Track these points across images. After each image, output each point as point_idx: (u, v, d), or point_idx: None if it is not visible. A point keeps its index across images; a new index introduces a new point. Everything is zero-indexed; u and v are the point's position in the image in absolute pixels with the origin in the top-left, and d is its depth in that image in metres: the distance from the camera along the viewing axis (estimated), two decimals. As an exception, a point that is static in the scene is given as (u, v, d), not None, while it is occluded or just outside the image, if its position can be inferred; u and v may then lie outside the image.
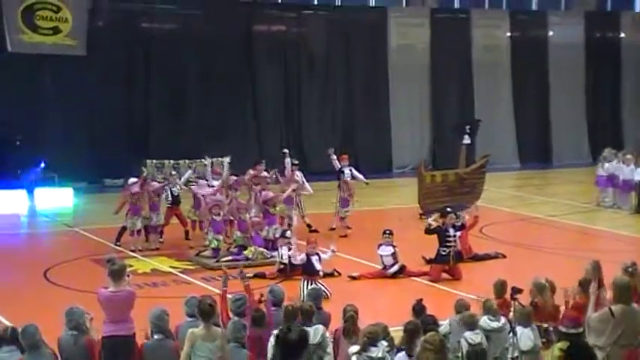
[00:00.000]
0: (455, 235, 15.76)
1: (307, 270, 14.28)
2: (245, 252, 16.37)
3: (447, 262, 15.43)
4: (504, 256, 16.99)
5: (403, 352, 8.78)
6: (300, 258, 14.54)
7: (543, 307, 11.25)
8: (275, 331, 9.39)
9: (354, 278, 15.39)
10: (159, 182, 18.31)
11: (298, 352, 7.16)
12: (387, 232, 15.57)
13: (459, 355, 10.12)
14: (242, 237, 16.72)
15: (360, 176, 20.31)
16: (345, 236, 18.95)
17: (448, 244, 15.55)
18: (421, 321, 9.71)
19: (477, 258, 16.68)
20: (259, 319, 9.70)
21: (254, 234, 16.58)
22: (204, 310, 8.60)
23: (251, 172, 18.42)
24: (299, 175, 19.24)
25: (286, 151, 20.00)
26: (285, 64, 28.79)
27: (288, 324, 9.37)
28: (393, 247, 15.55)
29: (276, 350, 9.18)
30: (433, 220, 15.94)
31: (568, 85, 32.42)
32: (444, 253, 15.51)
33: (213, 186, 18.15)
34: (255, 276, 14.93)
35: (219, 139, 26.09)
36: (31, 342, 8.95)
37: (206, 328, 8.45)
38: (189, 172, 19.11)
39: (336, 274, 15.41)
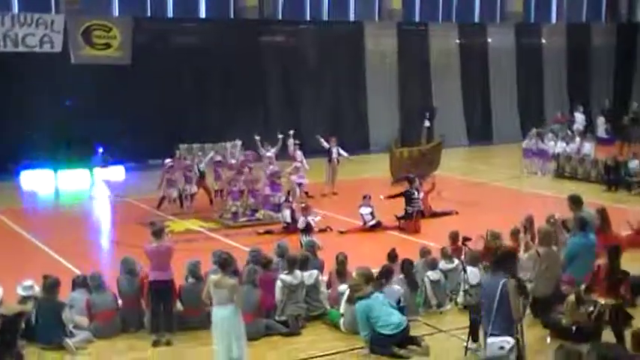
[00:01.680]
0: (418, 197, 15.78)
1: (305, 227, 14.21)
2: (257, 214, 16.36)
3: (412, 218, 15.44)
4: (457, 213, 17.01)
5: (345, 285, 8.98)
6: (301, 221, 14.46)
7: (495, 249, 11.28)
8: (281, 276, 9.42)
9: (342, 233, 15.41)
10: (189, 161, 18.30)
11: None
12: (366, 196, 15.63)
13: (422, 289, 10.19)
14: (254, 203, 16.69)
15: (345, 154, 20.31)
16: (336, 194, 19.13)
17: (413, 203, 15.57)
18: (402, 262, 9.77)
19: (436, 214, 16.68)
20: (268, 264, 9.74)
21: (264, 201, 16.55)
22: (220, 262, 8.57)
23: (241, 157, 18.32)
24: (299, 154, 19.20)
25: (291, 132, 19.89)
26: (285, 68, 28.63)
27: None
28: (371, 207, 15.59)
29: (282, 289, 9.22)
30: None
31: (503, 80, 32.33)
32: (410, 211, 15.53)
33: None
34: (266, 232, 14.96)
35: (236, 127, 25.99)
36: (97, 284, 9.06)
37: (221, 276, 8.38)
38: (212, 153, 19.08)
39: (328, 230, 15.44)
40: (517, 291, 7.24)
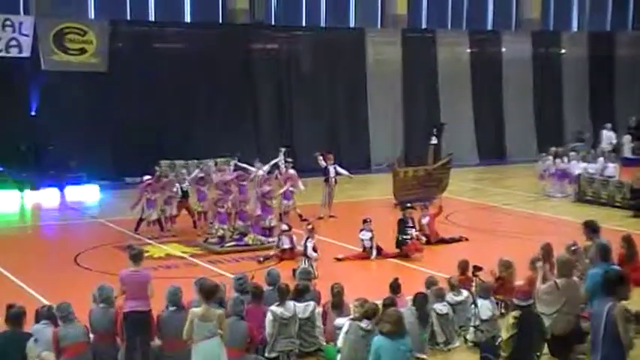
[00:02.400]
0: (412, 226, 15.82)
1: (306, 252, 14.17)
2: (245, 239, 16.35)
3: (407, 245, 15.48)
4: (467, 239, 17.01)
5: (346, 318, 8.93)
6: (309, 246, 14.37)
7: (508, 281, 11.24)
8: (272, 307, 9.40)
9: (339, 260, 15.38)
10: (170, 179, 18.31)
11: None
12: (367, 220, 15.65)
13: (429, 322, 10.15)
14: (243, 226, 16.68)
15: (344, 172, 20.36)
16: (333, 217, 19.29)
17: (407, 232, 15.57)
18: (415, 296, 9.74)
19: (444, 241, 16.70)
20: (259, 294, 9.67)
21: (254, 224, 16.54)
22: (204, 291, 8.51)
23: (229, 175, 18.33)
24: (293, 173, 19.22)
25: (283, 149, 19.91)
26: (278, 77, 28.73)
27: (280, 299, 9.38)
28: (371, 232, 15.59)
29: (273, 324, 9.19)
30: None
31: (518, 93, 32.50)
32: (404, 238, 15.54)
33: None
34: (265, 259, 14.95)
35: (223, 142, 26.03)
36: (65, 315, 8.99)
37: (205, 308, 8.34)
38: (197, 170, 19.10)
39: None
40: (626, 315, 6.99)
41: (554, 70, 33.30)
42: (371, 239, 15.55)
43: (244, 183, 18.05)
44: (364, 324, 8.87)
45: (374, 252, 15.50)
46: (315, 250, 14.17)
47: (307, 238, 14.27)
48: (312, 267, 13.57)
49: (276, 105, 28.63)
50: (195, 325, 8.27)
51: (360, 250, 15.71)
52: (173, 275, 13.57)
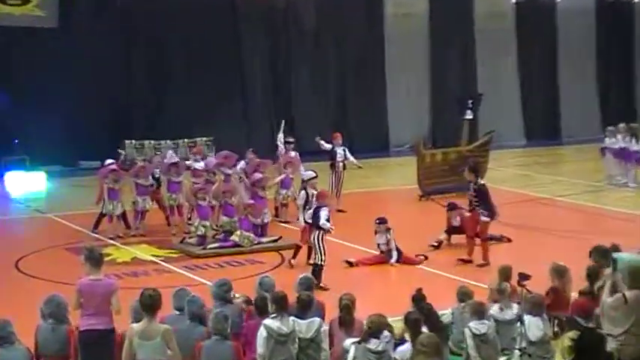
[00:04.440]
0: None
1: (316, 223, 14.25)
2: (232, 237, 16.35)
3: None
4: (509, 240, 16.99)
5: (408, 344, 8.77)
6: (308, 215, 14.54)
7: (563, 293, 11.19)
8: (266, 321, 9.37)
9: (350, 264, 15.41)
10: (144, 164, 18.32)
11: None
12: (378, 221, 15.67)
13: (464, 346, 10.13)
14: (229, 222, 16.69)
15: (352, 158, 20.32)
16: (342, 211, 19.30)
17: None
18: (419, 309, 9.69)
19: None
20: (264, 307, 9.57)
21: (242, 217, 16.55)
22: (143, 303, 8.47)
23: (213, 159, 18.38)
24: (294, 156, 19.23)
25: (283, 122, 19.92)
26: (272, 36, 28.65)
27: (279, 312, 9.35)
28: (387, 234, 15.58)
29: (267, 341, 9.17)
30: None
31: (578, 54, 32.26)
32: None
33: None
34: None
35: (203, 117, 26.01)
36: (3, 337, 8.94)
37: (146, 323, 8.33)
38: (170, 152, 19.10)
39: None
40: None
41: (624, 25, 33.00)
42: (388, 242, 15.57)
43: (229, 171, 18.03)
44: (373, 344, 8.85)
45: (394, 255, 15.52)
46: (328, 220, 14.22)
47: (318, 207, 14.27)
48: (321, 250, 13.78)
49: (271, 75, 28.61)
50: (135, 345, 8.27)
51: (377, 252, 15.72)
52: (142, 285, 13.51)
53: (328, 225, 14.19)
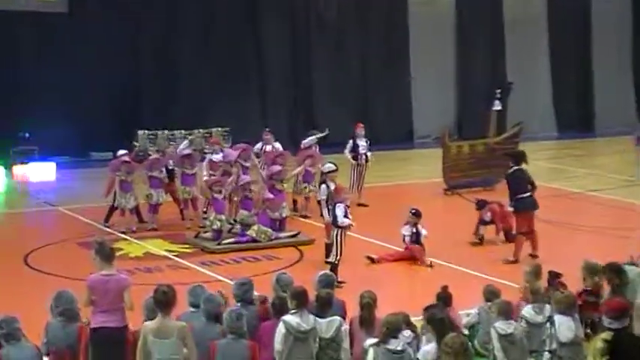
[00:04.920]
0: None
1: (335, 221, 14.24)
2: (249, 232, 16.39)
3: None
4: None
5: (433, 344, 8.75)
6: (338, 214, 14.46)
7: (595, 292, 11.14)
8: (285, 317, 9.39)
9: (372, 260, 15.43)
10: (158, 157, 18.38)
11: None
12: (413, 211, 15.68)
13: (490, 347, 10.12)
14: (247, 215, 16.73)
15: (369, 154, 20.15)
16: (363, 205, 19.33)
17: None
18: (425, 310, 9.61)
19: (509, 238, 16.63)
20: (283, 307, 9.58)
21: (261, 212, 16.60)
22: (157, 300, 8.50)
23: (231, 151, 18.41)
24: (314, 150, 19.23)
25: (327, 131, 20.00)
26: (293, 24, 28.67)
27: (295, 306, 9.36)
28: (415, 226, 15.58)
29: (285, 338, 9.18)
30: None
31: (614, 41, 32.06)
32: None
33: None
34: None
35: (218, 107, 26.06)
36: (11, 332, 8.98)
37: (160, 321, 8.37)
38: (186, 142, 19.13)
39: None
40: None
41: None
42: (412, 236, 15.56)
43: (247, 163, 18.07)
44: (392, 345, 8.85)
45: (422, 232, 15.66)
46: (346, 216, 14.17)
47: (337, 203, 14.22)
48: (338, 248, 13.80)
49: (290, 62, 28.63)
50: (150, 343, 8.32)
51: (400, 248, 15.73)
52: (154, 281, 13.54)
53: (347, 221, 14.19)
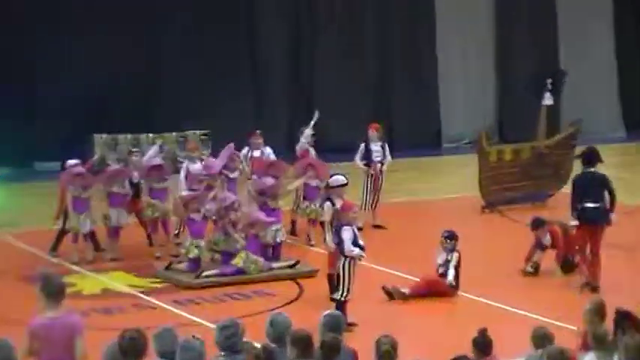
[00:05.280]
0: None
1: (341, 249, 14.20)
2: (234, 261, 16.34)
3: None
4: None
5: None
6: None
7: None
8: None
9: (391, 296, 15.37)
10: (120, 167, 18.37)
11: None
12: (446, 234, 15.65)
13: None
14: (231, 241, 16.72)
15: (389, 158, 20.17)
16: (380, 227, 19.43)
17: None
18: None
19: (569, 265, 16.56)
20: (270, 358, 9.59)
21: (250, 236, 16.58)
22: (124, 348, 8.53)
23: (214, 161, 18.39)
24: (312, 157, 19.23)
25: (317, 114, 20.02)
26: (295, 7, 28.82)
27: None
28: (451, 254, 15.54)
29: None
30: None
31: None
32: None
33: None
34: None
35: (200, 107, 26.04)
36: None
37: None
38: (155, 148, 19.11)
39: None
40: None
41: None
42: (445, 264, 15.54)
43: (234, 174, 18.03)
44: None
45: (450, 276, 15.52)
46: (356, 243, 14.08)
47: (343, 226, 14.14)
48: (345, 282, 13.72)
49: (290, 45, 28.82)
50: None
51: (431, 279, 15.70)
52: (115, 324, 13.49)
53: (357, 251, 14.08)
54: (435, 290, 15.51)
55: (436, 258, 15.71)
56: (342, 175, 16.30)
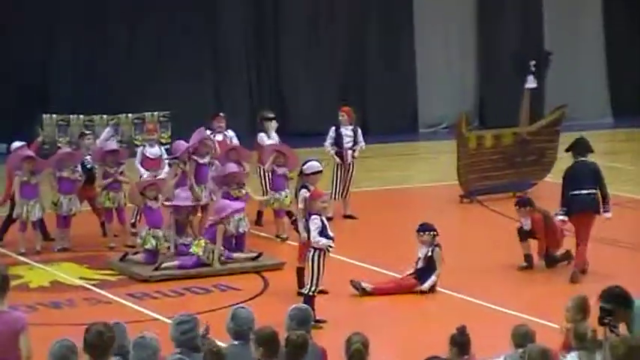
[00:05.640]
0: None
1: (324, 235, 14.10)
2: (193, 248, 16.26)
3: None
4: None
5: None
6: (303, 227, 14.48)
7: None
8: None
9: (363, 291, 15.34)
10: (70, 150, 18.29)
11: None
12: (419, 228, 15.60)
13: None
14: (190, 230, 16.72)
15: (363, 143, 20.13)
16: (351, 217, 19.51)
17: None
18: None
19: (553, 261, 16.65)
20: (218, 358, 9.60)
21: (208, 224, 16.58)
22: (90, 343, 8.54)
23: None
24: (273, 142, 19.18)
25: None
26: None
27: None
28: (431, 248, 15.52)
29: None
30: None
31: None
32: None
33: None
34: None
35: (157, 88, 25.98)
36: None
37: None
38: (108, 130, 19.04)
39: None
40: None
41: None
42: (426, 259, 15.55)
43: (204, 160, 17.97)
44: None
45: (430, 279, 15.50)
46: (324, 233, 14.01)
47: (311, 215, 14.10)
48: (314, 276, 13.75)
49: (253, 14, 28.77)
50: None
51: (405, 274, 15.68)
52: (65, 319, 13.53)
53: (324, 241, 14.04)
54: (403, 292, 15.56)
55: (419, 253, 15.68)
56: (316, 160, 16.23)
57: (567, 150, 16.46)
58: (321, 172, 15.94)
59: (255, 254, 16.89)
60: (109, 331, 8.59)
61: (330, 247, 14.07)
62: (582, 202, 15.69)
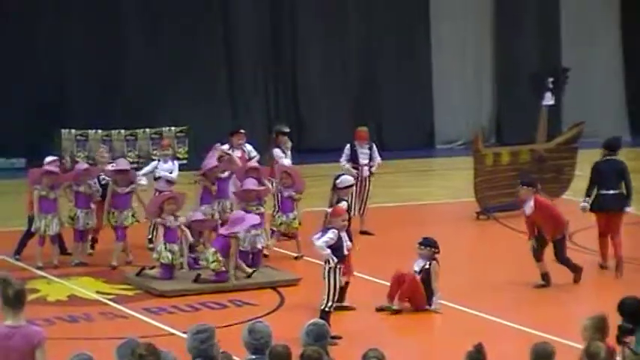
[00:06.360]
0: None
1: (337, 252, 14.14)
2: (212, 266, 16.23)
3: None
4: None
5: None
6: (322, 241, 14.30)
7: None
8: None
9: (396, 311, 15.28)
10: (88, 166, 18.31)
11: None
12: (421, 242, 15.58)
13: None
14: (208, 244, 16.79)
15: (379, 160, 20.13)
16: (367, 233, 19.51)
17: None
18: None
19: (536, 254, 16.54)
20: None
21: (219, 234, 16.61)
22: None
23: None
24: (283, 157, 19.18)
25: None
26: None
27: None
28: (429, 262, 15.49)
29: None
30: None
31: None
32: None
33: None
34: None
35: (173, 101, 26.02)
36: None
37: None
38: (153, 164, 19.02)
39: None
40: None
41: None
42: (422, 272, 15.49)
43: (224, 174, 18.02)
44: None
45: (436, 303, 15.48)
46: (335, 247, 14.02)
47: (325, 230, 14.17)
48: (331, 290, 13.73)
49: (268, 36, 28.77)
50: None
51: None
52: (82, 334, 13.61)
53: (327, 252, 14.01)
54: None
55: (414, 265, 15.60)
56: (349, 175, 16.36)
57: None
58: (352, 185, 16.10)
59: (250, 271, 16.68)
60: (153, 354, 8.66)
61: (333, 259, 14.09)
62: (610, 201, 16.80)
